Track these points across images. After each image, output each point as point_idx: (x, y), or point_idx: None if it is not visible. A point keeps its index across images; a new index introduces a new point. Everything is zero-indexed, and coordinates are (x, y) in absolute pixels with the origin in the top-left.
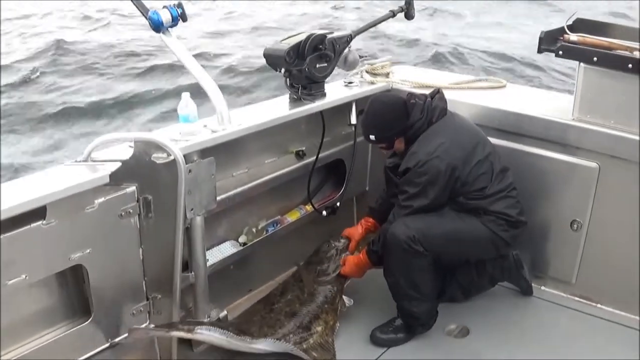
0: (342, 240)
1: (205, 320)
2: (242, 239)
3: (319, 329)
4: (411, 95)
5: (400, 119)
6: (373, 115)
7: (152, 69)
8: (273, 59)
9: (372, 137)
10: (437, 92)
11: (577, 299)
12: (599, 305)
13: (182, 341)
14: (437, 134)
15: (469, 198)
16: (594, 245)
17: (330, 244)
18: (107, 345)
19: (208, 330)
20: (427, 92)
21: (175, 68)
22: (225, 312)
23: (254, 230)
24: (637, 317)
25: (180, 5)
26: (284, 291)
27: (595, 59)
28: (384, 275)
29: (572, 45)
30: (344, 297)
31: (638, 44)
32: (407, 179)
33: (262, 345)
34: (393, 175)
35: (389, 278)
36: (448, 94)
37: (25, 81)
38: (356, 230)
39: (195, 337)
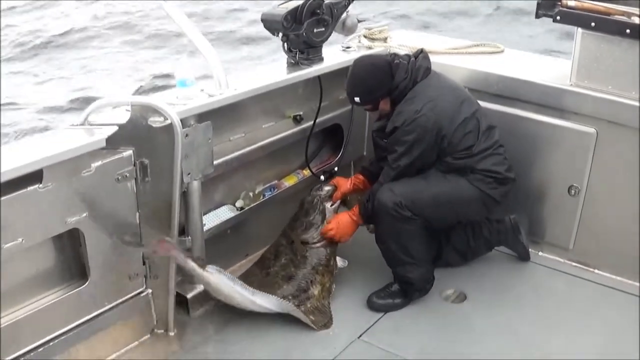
0: (326, 188)
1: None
2: (239, 203)
3: (316, 292)
4: (395, 55)
5: (384, 80)
6: (357, 77)
7: None
8: (270, 24)
9: (357, 99)
10: (421, 52)
11: (574, 264)
12: (596, 271)
13: (178, 305)
14: (422, 93)
15: (456, 157)
16: (591, 210)
17: (313, 193)
18: (104, 308)
19: (218, 271)
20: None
21: None
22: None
23: (251, 194)
24: (635, 283)
25: None
26: (277, 254)
27: (593, 24)
28: (376, 242)
29: (570, 10)
30: (337, 258)
31: (636, 9)
32: (394, 137)
33: (264, 300)
34: (379, 139)
35: (381, 245)
36: (445, 59)
37: None
38: (345, 182)
39: (204, 275)
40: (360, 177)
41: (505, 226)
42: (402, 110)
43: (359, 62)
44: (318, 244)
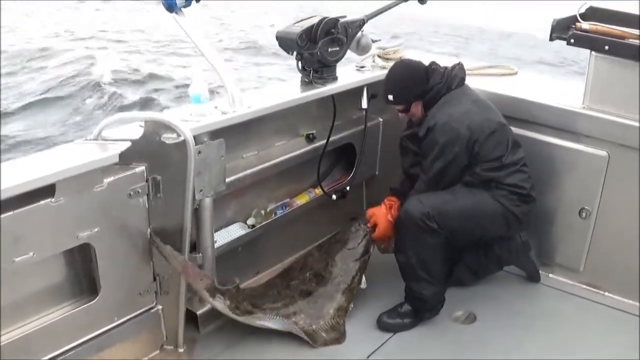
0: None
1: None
2: (250, 221)
3: (332, 311)
4: (433, 62)
5: (419, 81)
6: (393, 76)
7: None
8: (285, 42)
9: (390, 97)
10: (458, 64)
11: (584, 286)
12: (606, 294)
13: (188, 321)
14: (455, 99)
15: (485, 168)
16: (602, 233)
17: (360, 225)
18: (114, 324)
19: (224, 303)
20: None
21: None
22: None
23: (262, 212)
24: None
25: None
26: (304, 266)
27: (606, 47)
28: (395, 255)
29: (583, 33)
30: (362, 276)
31: None
32: (428, 140)
33: (270, 323)
34: (410, 143)
35: (400, 257)
36: None
37: None
38: (380, 210)
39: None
40: (393, 198)
41: (516, 244)
42: (435, 113)
43: (397, 63)
44: (350, 264)
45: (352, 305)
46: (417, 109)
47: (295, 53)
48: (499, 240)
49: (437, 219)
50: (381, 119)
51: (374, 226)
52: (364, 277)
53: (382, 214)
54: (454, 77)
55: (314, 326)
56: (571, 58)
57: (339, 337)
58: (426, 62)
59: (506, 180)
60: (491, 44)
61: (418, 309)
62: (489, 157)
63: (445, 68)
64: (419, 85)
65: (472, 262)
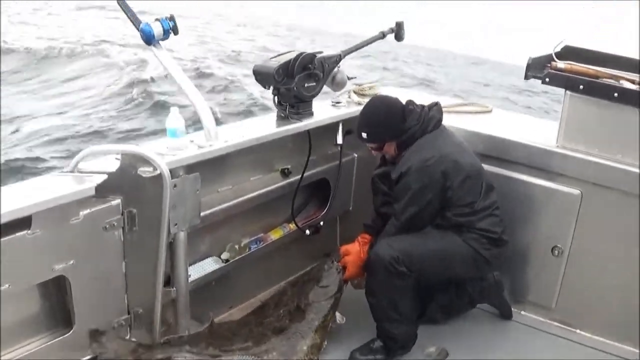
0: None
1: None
2: (224, 255)
3: (305, 348)
4: (411, 101)
5: (395, 121)
6: (369, 113)
7: None
8: (262, 76)
9: (364, 134)
10: (435, 105)
11: (556, 324)
12: (578, 331)
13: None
14: (431, 143)
15: (457, 213)
16: (574, 271)
17: (333, 262)
18: (88, 357)
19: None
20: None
21: None
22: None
23: (236, 247)
24: (617, 344)
25: (172, 19)
26: (278, 304)
27: (581, 87)
28: (365, 296)
29: (559, 72)
30: (337, 313)
31: (625, 72)
32: (400, 185)
33: None
34: (381, 184)
35: (371, 298)
36: None
37: None
38: (354, 248)
39: None
40: (367, 236)
41: (489, 283)
42: (409, 157)
43: (374, 99)
44: (323, 302)
45: (325, 343)
46: (390, 148)
47: (271, 88)
48: (472, 280)
49: (407, 263)
50: (356, 155)
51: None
52: (338, 314)
53: (355, 252)
54: (430, 119)
55: None
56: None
57: None
58: (403, 100)
59: (477, 224)
60: (464, 69)
61: (390, 347)
62: (461, 203)
63: (423, 108)
64: (394, 126)
65: (445, 301)
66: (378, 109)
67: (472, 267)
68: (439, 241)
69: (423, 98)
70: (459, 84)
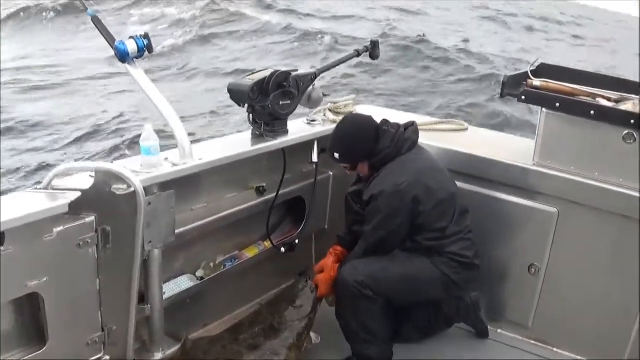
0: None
1: (160, 353)
2: (199, 273)
3: None
4: (385, 121)
5: (367, 143)
6: (341, 134)
7: None
8: (237, 94)
9: (336, 155)
10: (412, 125)
11: (533, 342)
12: (555, 349)
13: None
14: (404, 166)
15: (427, 238)
16: (550, 289)
17: (307, 282)
18: None
19: None
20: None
21: None
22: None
23: (211, 264)
24: None
25: (146, 36)
26: (253, 322)
27: (557, 104)
28: (336, 317)
29: (534, 90)
30: (312, 333)
31: (601, 90)
32: (371, 208)
33: None
34: (354, 203)
35: (340, 320)
36: None
37: None
38: (327, 263)
39: None
40: (339, 248)
41: (466, 304)
42: (381, 181)
43: (347, 119)
44: (297, 321)
45: None
46: (363, 168)
47: (246, 106)
48: (448, 300)
49: (372, 287)
50: (331, 173)
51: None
52: (312, 334)
53: (327, 269)
54: (405, 140)
55: None
56: None
57: None
58: (379, 119)
59: (448, 248)
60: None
61: None
62: (432, 228)
63: (398, 128)
64: (367, 147)
65: (420, 321)
66: (350, 130)
67: (441, 290)
68: (406, 265)
69: (398, 117)
70: None
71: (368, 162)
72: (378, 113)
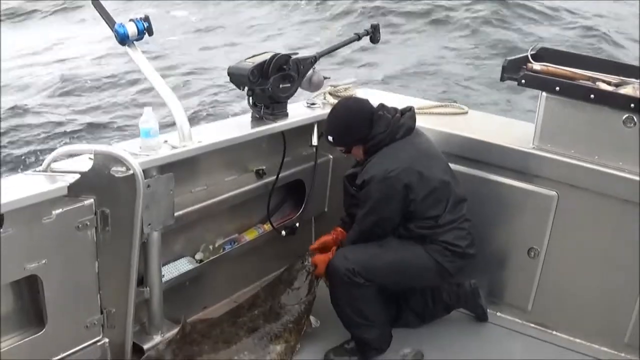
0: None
1: (159, 335)
2: (198, 255)
3: (279, 348)
4: (382, 106)
5: (361, 127)
6: (335, 117)
7: None
8: (237, 78)
9: (330, 138)
10: (409, 110)
11: (532, 325)
12: (554, 332)
13: (135, 355)
14: (397, 153)
15: (420, 226)
16: (550, 272)
17: (304, 264)
18: (60, 356)
19: None
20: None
21: None
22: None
23: (210, 247)
24: (593, 345)
25: (147, 19)
26: (252, 305)
27: (557, 88)
28: (331, 304)
29: (534, 74)
30: (311, 317)
31: (602, 74)
32: (363, 193)
33: None
34: (350, 185)
35: (336, 307)
36: None
37: None
38: (328, 238)
39: None
40: (339, 229)
41: (465, 291)
42: (374, 165)
43: (343, 102)
44: (296, 305)
45: (299, 346)
46: (358, 152)
47: (246, 89)
48: (447, 286)
49: (363, 274)
50: (331, 156)
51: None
52: (312, 318)
53: (327, 247)
54: (400, 127)
55: None
56: None
57: None
58: (376, 103)
59: (441, 237)
60: None
61: (363, 350)
62: (425, 216)
63: (395, 113)
64: (360, 131)
65: (419, 307)
66: (344, 114)
67: (434, 278)
68: (398, 252)
69: (398, 100)
70: None
71: (362, 146)
72: (377, 96)
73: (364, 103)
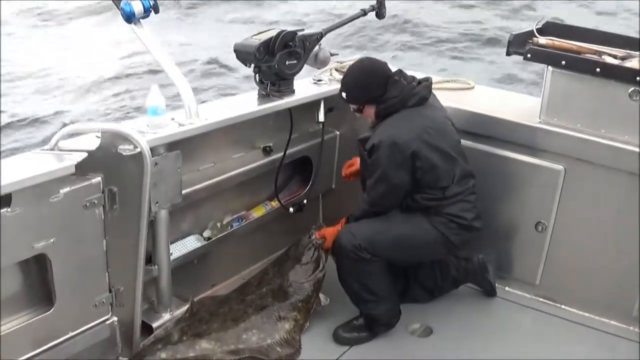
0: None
1: (168, 314)
2: (206, 233)
3: (287, 326)
4: (400, 72)
5: (376, 87)
6: (351, 74)
7: None
8: (243, 55)
9: (343, 94)
10: (426, 80)
11: (541, 299)
12: (562, 307)
13: (144, 333)
14: (407, 120)
15: (426, 198)
16: (558, 247)
17: (311, 238)
18: (69, 335)
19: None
20: None
21: None
22: (188, 306)
23: (218, 225)
24: (601, 319)
25: None
26: (261, 282)
27: (563, 62)
28: (339, 281)
29: (540, 48)
30: (320, 295)
31: (607, 48)
32: (372, 161)
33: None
34: (363, 149)
35: (343, 285)
36: None
37: None
38: (335, 229)
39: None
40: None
41: (474, 265)
42: (383, 130)
43: (362, 61)
44: (305, 282)
45: (307, 324)
46: (370, 112)
47: (252, 66)
48: (456, 261)
49: (370, 250)
50: (338, 133)
51: (324, 238)
52: (322, 296)
53: (333, 230)
54: (413, 95)
55: (268, 340)
56: None
57: (294, 352)
58: (394, 68)
59: (446, 209)
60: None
61: (372, 326)
62: (432, 186)
63: (412, 80)
64: (373, 91)
65: (428, 282)
66: (360, 71)
67: (440, 250)
68: (404, 226)
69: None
70: None
71: (375, 106)
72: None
73: (382, 64)
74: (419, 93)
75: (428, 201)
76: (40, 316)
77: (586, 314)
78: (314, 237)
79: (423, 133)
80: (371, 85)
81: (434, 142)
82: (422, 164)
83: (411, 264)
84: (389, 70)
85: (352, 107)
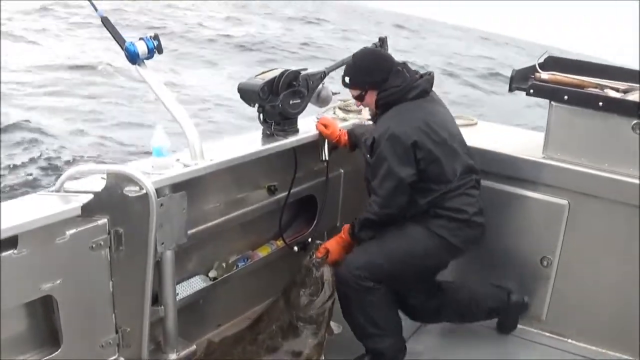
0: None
1: (175, 354)
2: (212, 273)
3: None
4: (404, 63)
5: (379, 73)
6: (357, 58)
7: None
8: (247, 94)
9: (346, 79)
10: (428, 74)
11: (547, 334)
12: (569, 341)
13: None
14: (407, 112)
15: (430, 198)
16: (564, 281)
17: (311, 258)
18: None
19: None
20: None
21: None
22: (194, 347)
23: (224, 265)
24: (608, 352)
25: (156, 37)
26: (271, 318)
27: (566, 97)
28: (343, 316)
29: (543, 83)
30: (332, 323)
31: (609, 81)
32: (376, 157)
33: None
34: (366, 151)
35: (347, 319)
36: None
37: None
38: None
39: None
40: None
41: (516, 303)
42: (383, 123)
43: (369, 48)
44: (312, 312)
45: (323, 358)
46: (371, 99)
47: (257, 105)
48: (497, 292)
49: (371, 277)
50: (342, 171)
51: (327, 253)
52: (333, 324)
53: (333, 242)
54: (415, 87)
55: None
56: None
57: None
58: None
59: (447, 203)
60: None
61: None
62: (436, 180)
63: (415, 74)
64: (376, 75)
65: (462, 307)
66: (365, 56)
67: (444, 256)
68: (399, 241)
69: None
70: None
71: (376, 91)
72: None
73: (387, 54)
74: (420, 85)
75: (431, 201)
76: (46, 357)
77: (593, 348)
78: (314, 256)
79: (424, 125)
80: (375, 69)
81: (435, 134)
82: (424, 155)
83: (417, 277)
84: (394, 60)
85: (353, 93)
